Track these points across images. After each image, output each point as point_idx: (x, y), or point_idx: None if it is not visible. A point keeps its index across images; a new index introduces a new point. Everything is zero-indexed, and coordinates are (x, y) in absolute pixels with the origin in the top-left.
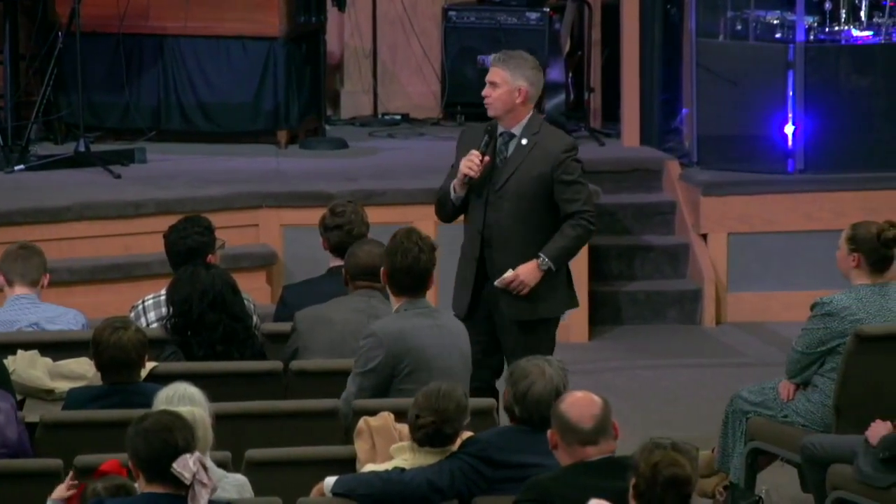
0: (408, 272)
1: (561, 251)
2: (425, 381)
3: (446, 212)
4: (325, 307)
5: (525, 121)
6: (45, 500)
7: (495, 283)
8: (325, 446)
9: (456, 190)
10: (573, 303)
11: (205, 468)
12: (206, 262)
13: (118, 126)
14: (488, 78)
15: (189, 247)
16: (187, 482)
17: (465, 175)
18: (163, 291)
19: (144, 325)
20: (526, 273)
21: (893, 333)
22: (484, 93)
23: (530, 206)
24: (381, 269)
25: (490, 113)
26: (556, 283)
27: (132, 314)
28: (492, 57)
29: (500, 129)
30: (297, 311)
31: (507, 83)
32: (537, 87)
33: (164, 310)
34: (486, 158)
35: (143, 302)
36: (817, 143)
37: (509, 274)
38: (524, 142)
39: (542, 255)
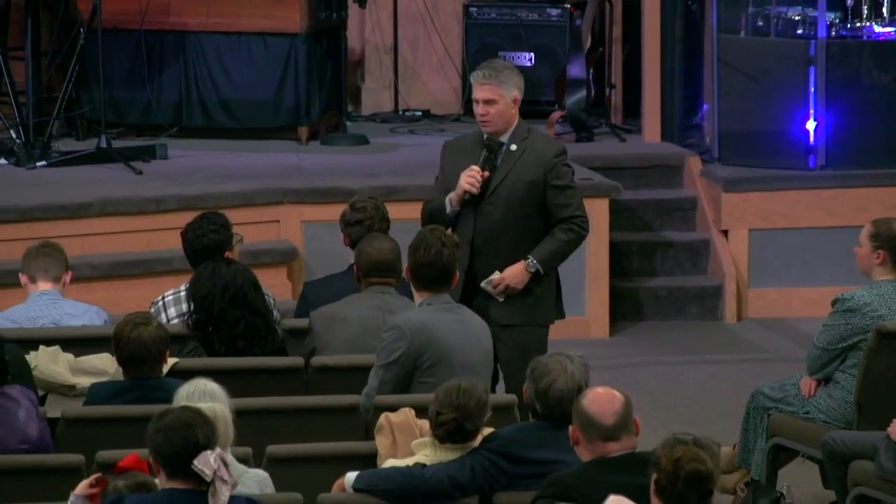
0: (430, 267)
1: (550, 254)
2: (446, 375)
3: (444, 225)
4: (339, 306)
5: (514, 127)
6: (67, 496)
7: (481, 284)
8: (345, 442)
9: (452, 204)
10: (560, 314)
11: (225, 464)
12: (227, 259)
13: (140, 122)
14: (482, 97)
15: (205, 245)
16: (208, 479)
17: (466, 192)
18: (183, 287)
19: (165, 320)
20: (512, 275)
21: None
22: (480, 112)
23: (521, 212)
24: (406, 264)
25: (488, 130)
26: (545, 291)
27: (152, 310)
28: (478, 74)
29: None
30: (313, 311)
31: (503, 98)
32: (523, 91)
33: (184, 305)
34: (486, 174)
35: (164, 298)
36: (838, 139)
37: (496, 276)
38: (513, 148)
39: (530, 256)
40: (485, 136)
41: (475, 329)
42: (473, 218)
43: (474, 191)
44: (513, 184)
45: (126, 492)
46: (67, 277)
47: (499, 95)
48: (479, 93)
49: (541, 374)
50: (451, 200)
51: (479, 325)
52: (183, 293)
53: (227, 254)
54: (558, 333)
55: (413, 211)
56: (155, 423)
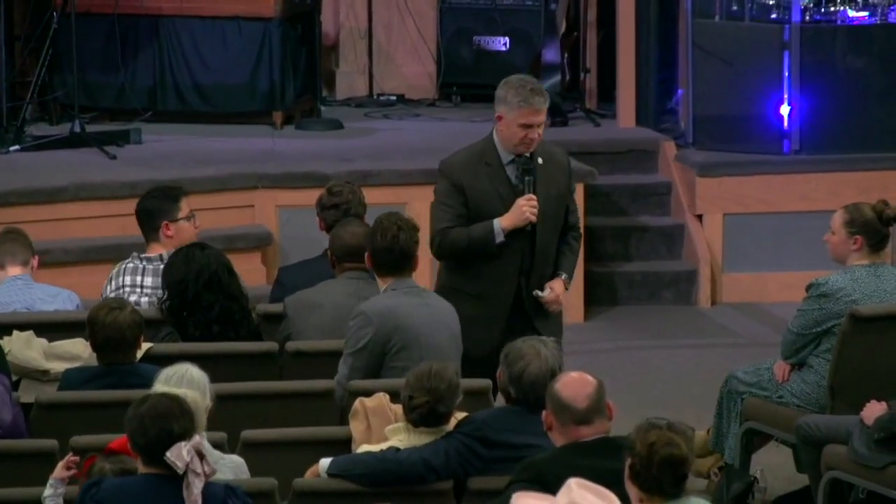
0: (389, 251)
1: (574, 267)
2: (415, 358)
3: (476, 255)
4: (313, 292)
5: None
6: (40, 481)
7: (534, 293)
8: (320, 427)
9: (505, 233)
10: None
11: (201, 456)
12: (201, 243)
13: (113, 106)
14: (539, 121)
15: (145, 208)
16: (180, 471)
17: (530, 221)
18: (128, 261)
19: (119, 284)
20: (563, 293)
21: (888, 314)
22: (531, 136)
23: (557, 224)
24: (366, 252)
25: (529, 151)
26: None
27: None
28: (537, 100)
29: (510, 157)
30: (287, 298)
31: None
32: None
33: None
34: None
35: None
36: (813, 123)
37: (551, 294)
38: (540, 161)
39: (564, 273)
40: (505, 155)
41: (442, 312)
42: (522, 241)
43: (534, 219)
44: (551, 199)
45: (111, 474)
46: (35, 262)
47: (545, 114)
48: (536, 117)
49: (514, 358)
50: (504, 230)
51: (446, 308)
52: (129, 266)
53: (166, 224)
54: None
55: (387, 195)
56: (133, 409)
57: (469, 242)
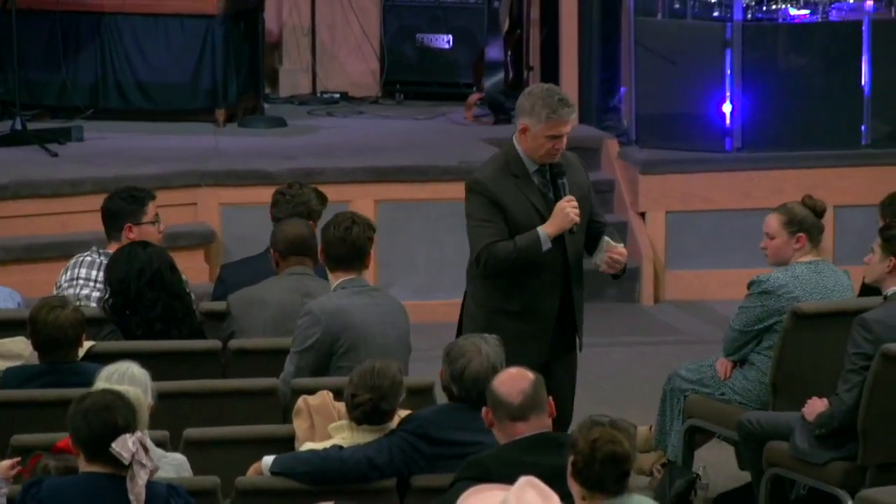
0: (341, 242)
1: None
2: (363, 359)
3: (523, 267)
4: (257, 289)
5: None
6: None
7: (605, 241)
8: (263, 425)
9: (550, 239)
10: None
11: (145, 449)
12: (143, 241)
13: (55, 104)
14: (567, 130)
15: (111, 209)
16: (126, 462)
17: (574, 223)
18: (87, 253)
19: (74, 276)
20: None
21: (829, 311)
22: (558, 147)
23: (584, 227)
24: (319, 246)
25: (555, 160)
26: None
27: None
28: (565, 111)
29: (535, 166)
30: (230, 295)
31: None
32: None
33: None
34: None
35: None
36: (755, 121)
37: (617, 250)
38: (561, 163)
39: (611, 239)
40: (530, 164)
41: (391, 311)
42: (556, 250)
43: (578, 220)
44: (578, 202)
45: (55, 472)
46: None
47: (574, 123)
48: (565, 128)
49: (456, 356)
50: (549, 235)
51: (396, 307)
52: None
53: (128, 227)
54: None
55: (331, 193)
56: (75, 405)
57: (517, 254)
